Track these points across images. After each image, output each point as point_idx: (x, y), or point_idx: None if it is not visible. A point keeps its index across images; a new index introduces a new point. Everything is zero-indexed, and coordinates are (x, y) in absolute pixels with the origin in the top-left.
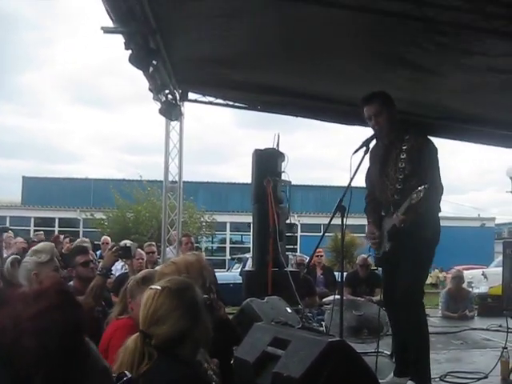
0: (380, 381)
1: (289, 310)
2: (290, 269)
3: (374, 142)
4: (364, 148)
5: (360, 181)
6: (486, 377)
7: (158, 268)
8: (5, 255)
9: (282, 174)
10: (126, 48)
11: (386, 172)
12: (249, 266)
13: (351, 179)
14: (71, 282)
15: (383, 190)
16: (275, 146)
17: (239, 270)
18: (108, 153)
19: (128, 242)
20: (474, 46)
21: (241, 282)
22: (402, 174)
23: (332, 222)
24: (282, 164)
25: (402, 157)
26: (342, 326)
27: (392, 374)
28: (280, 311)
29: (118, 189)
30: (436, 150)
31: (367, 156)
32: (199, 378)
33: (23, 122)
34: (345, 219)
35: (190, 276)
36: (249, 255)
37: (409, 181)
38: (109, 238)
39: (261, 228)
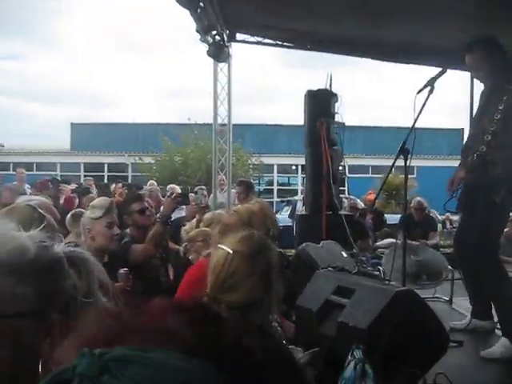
0: (457, 323)
1: (344, 255)
2: (343, 212)
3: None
4: (429, 88)
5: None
6: None
7: (217, 214)
8: None
9: (336, 116)
10: None
11: (482, 119)
12: (298, 209)
13: (415, 120)
14: (127, 230)
15: (474, 135)
16: (327, 87)
17: (288, 212)
18: (151, 97)
19: (175, 187)
20: None
21: (290, 224)
22: (495, 126)
23: (380, 164)
24: (336, 105)
25: (500, 107)
26: (405, 273)
27: (469, 316)
28: (336, 256)
29: (166, 132)
30: None
31: (431, 96)
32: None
33: (62, 70)
34: (408, 162)
35: (253, 226)
36: (297, 198)
37: (499, 135)
38: (155, 183)
39: (314, 171)
